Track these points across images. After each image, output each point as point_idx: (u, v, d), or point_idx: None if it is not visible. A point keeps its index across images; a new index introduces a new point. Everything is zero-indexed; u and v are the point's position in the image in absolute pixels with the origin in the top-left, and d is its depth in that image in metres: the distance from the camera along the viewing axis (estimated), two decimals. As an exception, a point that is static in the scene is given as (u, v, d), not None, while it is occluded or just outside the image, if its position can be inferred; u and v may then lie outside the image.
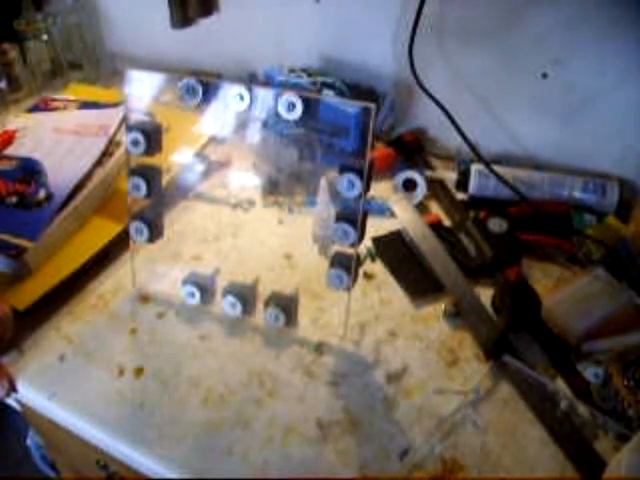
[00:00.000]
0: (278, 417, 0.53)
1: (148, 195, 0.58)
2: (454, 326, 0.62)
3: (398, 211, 0.73)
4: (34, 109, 0.86)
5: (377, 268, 0.69)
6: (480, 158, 0.76)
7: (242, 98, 0.53)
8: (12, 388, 0.56)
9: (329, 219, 0.63)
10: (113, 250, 0.69)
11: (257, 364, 0.58)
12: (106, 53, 1.08)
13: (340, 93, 0.82)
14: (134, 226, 0.60)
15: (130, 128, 0.56)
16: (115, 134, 0.78)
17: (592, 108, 0.74)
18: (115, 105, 0.83)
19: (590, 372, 0.55)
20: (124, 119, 0.58)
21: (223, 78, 0.95)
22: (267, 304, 0.59)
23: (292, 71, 0.85)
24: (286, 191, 0.79)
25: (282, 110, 0.52)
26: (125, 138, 0.57)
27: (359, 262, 0.67)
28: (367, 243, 0.71)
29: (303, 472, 0.49)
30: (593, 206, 0.74)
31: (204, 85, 0.54)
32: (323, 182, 0.65)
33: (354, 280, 0.56)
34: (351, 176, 0.51)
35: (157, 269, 0.67)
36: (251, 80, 0.93)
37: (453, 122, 0.77)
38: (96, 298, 0.64)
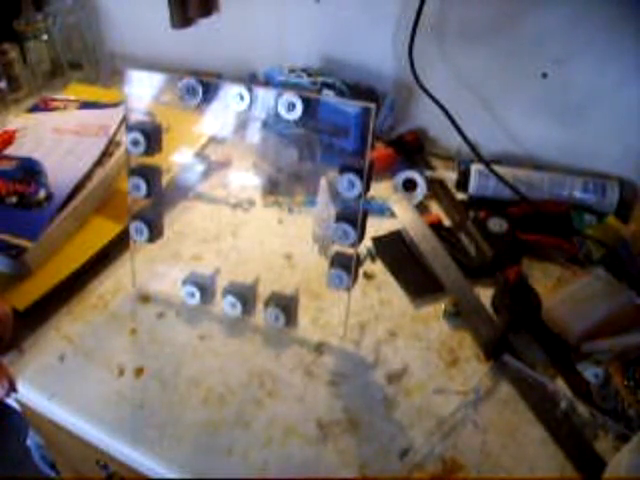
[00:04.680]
0: (278, 417, 0.53)
1: (148, 195, 0.58)
2: (454, 326, 0.62)
3: (398, 211, 0.73)
4: (34, 109, 0.86)
5: (377, 268, 0.69)
6: (480, 158, 0.76)
7: (242, 98, 0.53)
8: (12, 388, 0.56)
9: (329, 219, 0.63)
10: (113, 250, 0.69)
11: (257, 364, 0.58)
12: (106, 53, 1.08)
13: (340, 93, 0.82)
14: (134, 226, 0.60)
15: (130, 128, 0.56)
16: (115, 134, 0.78)
17: (592, 108, 0.74)
18: (115, 105, 0.83)
19: (590, 372, 0.55)
20: (124, 119, 0.58)
21: (223, 78, 0.95)
22: (267, 304, 0.59)
23: (292, 71, 0.84)
24: (286, 191, 0.79)
25: (282, 110, 0.52)
26: (125, 138, 0.57)
27: (359, 262, 0.67)
28: (367, 243, 0.71)
29: (303, 472, 0.49)
30: (593, 206, 0.73)
31: (204, 85, 0.54)
32: (323, 182, 0.65)
33: (354, 280, 0.56)
34: (351, 176, 0.51)
35: (157, 269, 0.67)
36: (251, 80, 0.92)
37: (453, 122, 0.77)
38: (96, 298, 0.64)
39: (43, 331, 0.61)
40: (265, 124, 0.77)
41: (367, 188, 0.51)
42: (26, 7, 0.96)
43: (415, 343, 0.60)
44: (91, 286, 0.66)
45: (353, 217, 0.52)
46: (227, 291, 0.60)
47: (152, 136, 0.57)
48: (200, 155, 0.82)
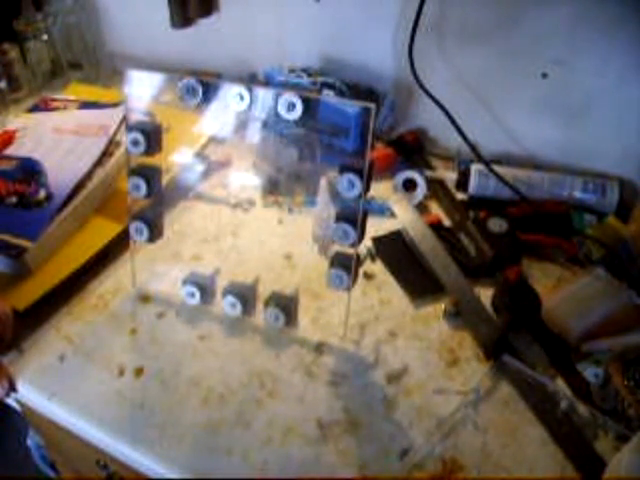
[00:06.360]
0: (278, 417, 0.53)
1: (148, 195, 0.58)
2: (454, 326, 0.62)
3: (398, 211, 0.73)
4: (34, 109, 0.86)
5: (377, 268, 0.69)
6: (480, 158, 0.76)
7: (242, 98, 0.53)
8: (12, 388, 0.56)
9: (329, 219, 0.63)
10: (113, 250, 0.69)
11: (257, 364, 0.58)
12: (106, 53, 1.08)
13: (340, 93, 0.82)
14: (134, 226, 0.60)
15: (130, 128, 0.56)
16: (115, 134, 0.78)
17: (592, 108, 0.74)
18: (115, 105, 0.83)
19: (590, 372, 0.55)
20: (124, 119, 0.58)
21: (223, 78, 0.95)
22: (267, 304, 0.59)
23: (292, 71, 0.84)
24: (286, 191, 0.79)
25: (282, 110, 0.52)
26: (125, 138, 0.57)
27: (359, 262, 0.67)
28: (367, 243, 0.71)
29: (303, 472, 0.49)
30: (593, 206, 0.74)
31: (204, 85, 0.54)
32: (323, 182, 0.65)
33: (354, 280, 0.56)
34: (351, 176, 0.51)
35: (157, 269, 0.67)
36: (251, 80, 0.92)
37: (453, 122, 0.77)
38: (96, 298, 0.64)
39: (43, 331, 0.61)
40: (265, 124, 0.77)
41: (367, 188, 0.51)
42: (26, 7, 0.96)
43: (415, 343, 0.60)
44: (91, 286, 0.66)
45: (353, 217, 0.52)
46: (227, 291, 0.60)
47: (152, 136, 0.57)
48: (200, 155, 0.82)
